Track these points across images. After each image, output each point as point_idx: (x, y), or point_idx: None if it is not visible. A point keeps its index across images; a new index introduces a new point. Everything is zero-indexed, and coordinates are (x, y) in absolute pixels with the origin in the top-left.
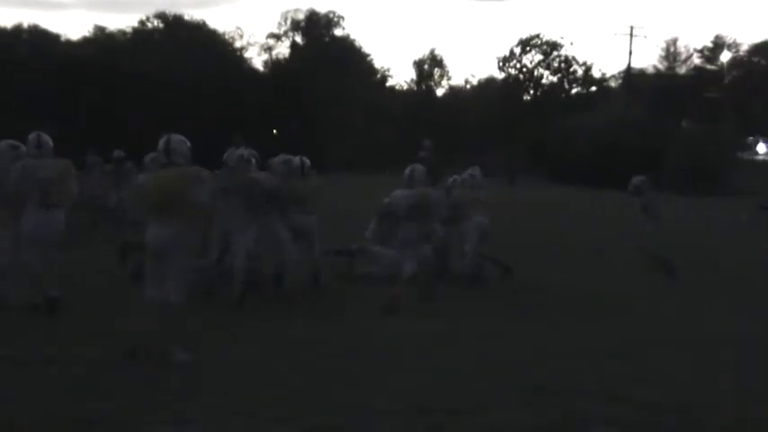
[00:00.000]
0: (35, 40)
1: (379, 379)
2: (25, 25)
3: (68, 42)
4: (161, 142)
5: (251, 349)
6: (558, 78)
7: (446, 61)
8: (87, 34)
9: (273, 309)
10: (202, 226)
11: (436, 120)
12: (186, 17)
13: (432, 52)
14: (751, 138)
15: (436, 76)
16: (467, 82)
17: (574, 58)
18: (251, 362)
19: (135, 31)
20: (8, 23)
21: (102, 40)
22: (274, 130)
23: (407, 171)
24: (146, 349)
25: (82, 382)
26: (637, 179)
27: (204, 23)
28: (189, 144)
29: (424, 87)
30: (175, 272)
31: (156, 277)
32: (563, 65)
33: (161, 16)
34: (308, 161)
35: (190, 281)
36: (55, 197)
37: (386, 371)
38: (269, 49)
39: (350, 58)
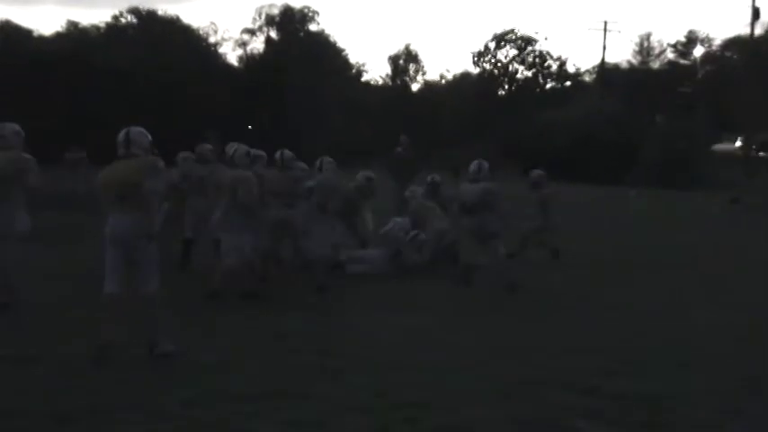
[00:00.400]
0: (7, 36)
1: (360, 374)
2: None
3: (41, 38)
4: (121, 134)
5: (231, 344)
6: (533, 73)
7: (421, 56)
8: (60, 29)
9: (254, 303)
10: (156, 215)
11: (412, 115)
12: (160, 12)
13: (407, 47)
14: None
15: (411, 71)
16: (442, 77)
17: (548, 52)
18: (230, 356)
19: (108, 26)
20: None
21: (75, 35)
22: (249, 126)
23: (474, 166)
24: (114, 346)
25: (58, 380)
26: (535, 173)
27: (178, 18)
28: (149, 137)
29: (399, 82)
30: (144, 262)
31: (116, 270)
32: (537, 60)
33: (134, 11)
34: (289, 153)
35: (158, 269)
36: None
37: (370, 366)
38: (243, 44)
39: (325, 54)
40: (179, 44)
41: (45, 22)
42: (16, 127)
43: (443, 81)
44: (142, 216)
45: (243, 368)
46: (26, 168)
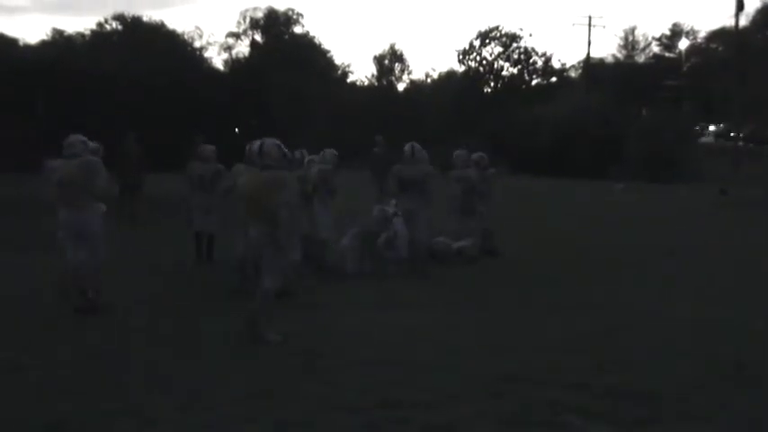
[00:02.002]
0: None
1: (350, 373)
2: None
3: (27, 46)
4: (256, 145)
5: (221, 346)
6: (518, 70)
7: (406, 55)
8: (46, 38)
9: (240, 303)
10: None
11: (398, 114)
12: (145, 18)
13: (392, 47)
14: None
15: (397, 71)
16: (427, 76)
17: (533, 49)
18: (221, 358)
19: (94, 33)
20: None
21: (60, 43)
22: (236, 129)
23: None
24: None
25: (49, 386)
26: (476, 155)
27: (163, 24)
28: (282, 147)
29: (384, 82)
30: (268, 264)
31: (259, 270)
32: (522, 56)
33: (119, 18)
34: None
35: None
36: None
37: (357, 365)
38: (229, 48)
39: (310, 55)
40: (164, 49)
41: (30, 30)
42: (82, 137)
43: (429, 80)
44: (271, 225)
45: (231, 370)
46: (94, 171)
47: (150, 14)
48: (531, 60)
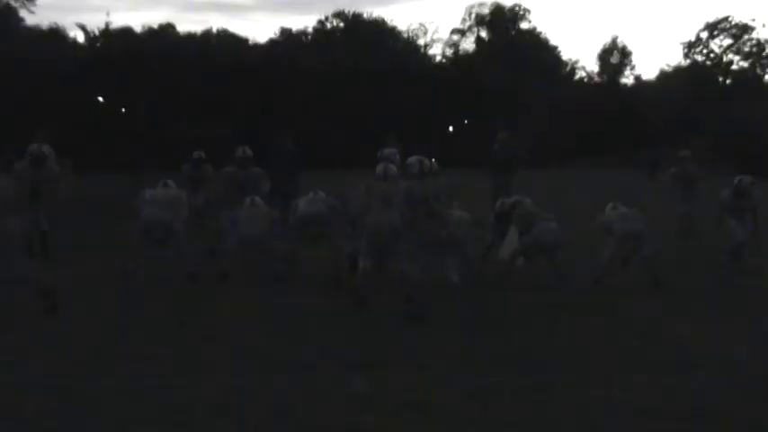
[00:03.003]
0: (225, 44)
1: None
2: (214, 30)
3: (256, 45)
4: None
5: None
6: (750, 64)
7: (630, 49)
8: (274, 36)
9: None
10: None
11: (621, 111)
12: (365, 15)
13: (614, 41)
14: None
15: (620, 65)
16: (661, 72)
17: (767, 41)
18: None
19: (315, 30)
20: (198, 28)
21: (288, 42)
22: (450, 127)
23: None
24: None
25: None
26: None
27: (384, 21)
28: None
29: (606, 78)
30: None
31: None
32: (755, 49)
33: (340, 15)
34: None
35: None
36: None
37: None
38: (453, 44)
39: (534, 53)
40: (387, 46)
41: (259, 30)
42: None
43: (653, 76)
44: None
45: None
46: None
47: (371, 11)
48: (764, 53)
